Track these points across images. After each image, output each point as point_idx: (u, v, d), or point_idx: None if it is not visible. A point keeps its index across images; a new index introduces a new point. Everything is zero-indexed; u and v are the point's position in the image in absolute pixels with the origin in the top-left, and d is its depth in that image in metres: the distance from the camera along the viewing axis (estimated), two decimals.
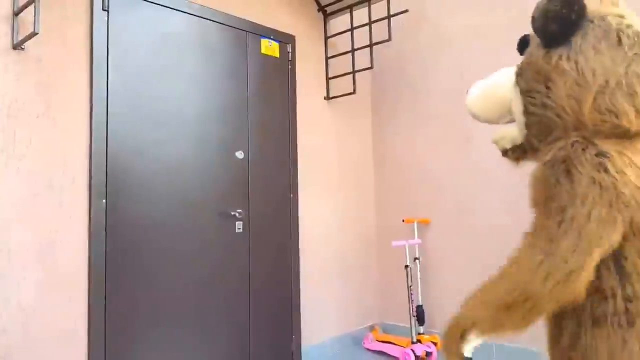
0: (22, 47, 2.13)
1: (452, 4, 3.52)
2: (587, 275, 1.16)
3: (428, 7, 3.64)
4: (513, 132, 1.50)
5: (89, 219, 2.32)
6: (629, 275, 1.23)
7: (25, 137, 2.14)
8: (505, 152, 1.55)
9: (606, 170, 1.22)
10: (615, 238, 1.19)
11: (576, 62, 1.35)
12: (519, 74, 1.45)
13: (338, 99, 3.60)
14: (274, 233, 3.12)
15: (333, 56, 3.56)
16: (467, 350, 1.25)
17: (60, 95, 2.25)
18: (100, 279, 2.33)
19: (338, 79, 3.56)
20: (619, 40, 1.36)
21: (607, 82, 1.33)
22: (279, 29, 3.26)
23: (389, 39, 3.27)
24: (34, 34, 1.97)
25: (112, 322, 2.36)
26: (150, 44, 2.58)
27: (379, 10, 3.43)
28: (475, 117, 1.58)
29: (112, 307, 2.37)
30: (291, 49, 3.33)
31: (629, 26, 1.36)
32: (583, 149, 1.27)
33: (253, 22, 3.10)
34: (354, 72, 3.45)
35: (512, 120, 1.51)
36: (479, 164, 3.31)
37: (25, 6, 2.03)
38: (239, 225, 2.92)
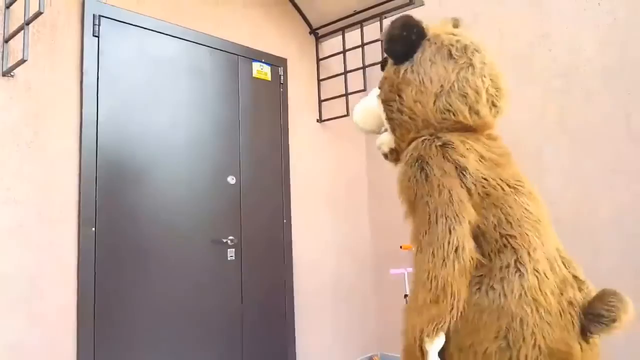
0: (12, 74, 2.08)
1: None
2: (469, 247, 1.43)
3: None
4: (388, 138, 1.78)
5: (77, 249, 2.24)
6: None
7: (13, 167, 2.07)
8: (385, 156, 1.84)
9: (450, 157, 1.51)
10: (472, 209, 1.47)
11: (418, 73, 1.64)
12: (380, 88, 1.76)
13: (331, 121, 3.59)
14: (267, 260, 3.06)
15: (325, 78, 3.55)
16: (433, 357, 1.42)
17: (49, 123, 2.20)
18: (89, 311, 2.25)
19: (330, 101, 3.55)
20: (449, 53, 1.64)
21: (442, 86, 1.61)
22: (270, 52, 3.25)
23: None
24: (22, 61, 1.92)
25: (103, 357, 2.27)
26: (141, 69, 2.54)
27: (371, 31, 3.44)
28: (360, 130, 1.90)
29: (103, 341, 2.28)
30: (283, 72, 3.32)
31: (458, 41, 1.66)
32: (430, 143, 1.55)
33: (244, 46, 3.08)
34: (346, 94, 3.44)
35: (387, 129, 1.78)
36: None
37: (15, 33, 1.99)
38: (231, 252, 2.86)
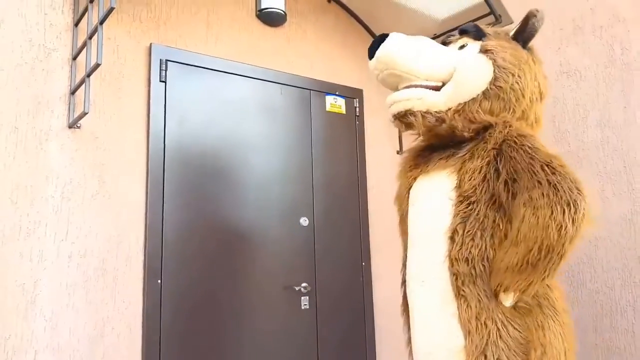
0: (78, 125, 2.07)
1: (540, 41, 3.13)
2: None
3: None
4: (433, 98, 1.48)
5: (143, 302, 2.15)
6: None
7: (78, 219, 2.04)
8: (403, 115, 1.54)
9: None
10: None
11: (539, 73, 1.62)
12: (491, 51, 1.51)
13: None
14: (344, 308, 2.80)
15: None
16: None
17: (115, 172, 2.15)
18: None
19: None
20: (541, 65, 1.66)
21: (545, 95, 1.64)
22: (345, 84, 3.05)
23: None
24: (84, 114, 1.88)
25: None
26: (209, 111, 2.45)
27: None
28: (390, 66, 1.50)
29: None
30: (358, 103, 3.10)
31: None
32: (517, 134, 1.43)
33: (317, 80, 2.91)
34: None
35: (408, 87, 1.51)
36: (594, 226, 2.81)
37: (79, 85, 1.97)
38: (304, 300, 2.64)
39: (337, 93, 2.99)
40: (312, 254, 2.71)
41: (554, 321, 1.42)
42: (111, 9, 1.69)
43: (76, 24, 2.08)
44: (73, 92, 2.04)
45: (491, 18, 2.76)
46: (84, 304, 2.01)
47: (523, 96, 1.52)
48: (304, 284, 2.63)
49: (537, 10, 1.58)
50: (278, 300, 2.55)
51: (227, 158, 2.48)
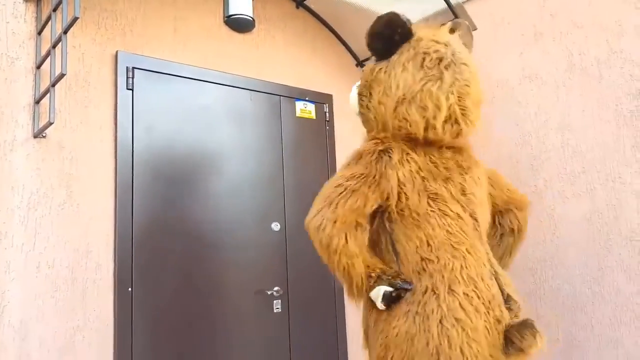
0: (43, 134, 2.05)
1: (503, 47, 3.23)
2: (340, 222, 1.55)
3: (479, 50, 3.37)
4: None
5: (114, 310, 2.14)
6: (398, 253, 1.61)
7: (46, 230, 2.02)
8: None
9: (379, 162, 1.59)
10: (368, 206, 1.58)
11: (389, 75, 1.63)
12: (360, 81, 1.77)
13: None
14: (317, 312, 2.84)
15: None
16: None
17: (83, 181, 2.14)
18: None
19: None
20: (422, 62, 1.59)
21: (404, 95, 1.59)
22: (315, 90, 3.09)
23: None
24: (49, 124, 1.87)
25: None
26: (178, 118, 2.46)
27: None
28: (356, 113, 1.85)
29: None
30: (328, 108, 3.14)
31: (436, 51, 1.62)
32: (375, 144, 1.62)
33: (287, 86, 2.94)
34: None
35: None
36: (557, 225, 2.92)
37: (44, 94, 1.95)
38: (277, 304, 2.67)
39: (307, 98, 3.03)
40: (284, 258, 2.74)
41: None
42: (75, 19, 1.69)
43: (39, 32, 2.06)
44: (38, 102, 2.02)
45: (449, 15, 2.83)
46: (54, 314, 1.99)
47: (378, 111, 1.67)
48: (276, 288, 2.66)
49: (367, 31, 1.71)
50: (250, 305, 2.57)
51: (197, 165, 2.49)
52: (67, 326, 2.02)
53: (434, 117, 1.61)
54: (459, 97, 1.63)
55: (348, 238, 1.55)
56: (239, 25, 2.74)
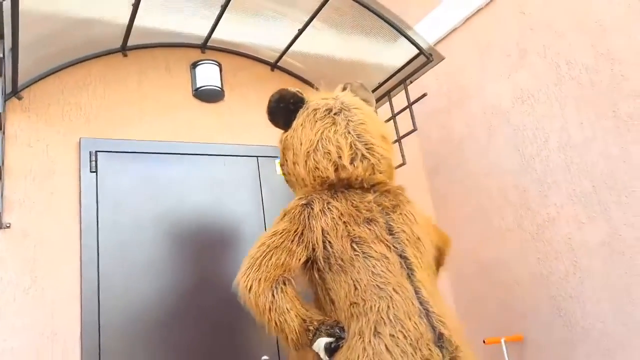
0: (8, 224, 2.17)
1: (491, 72, 3.05)
2: (264, 280, 1.60)
3: (467, 80, 3.20)
4: None
5: None
6: (333, 301, 1.67)
7: (10, 316, 2.08)
8: None
9: (304, 216, 1.70)
10: (295, 259, 1.66)
11: (293, 138, 1.84)
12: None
13: None
14: None
15: None
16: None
17: (48, 267, 2.21)
18: None
19: None
20: (315, 115, 1.81)
21: (309, 148, 1.78)
22: None
23: (415, 129, 2.86)
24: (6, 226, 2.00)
25: None
26: (144, 195, 2.50)
27: (400, 100, 3.09)
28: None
29: None
30: None
31: (325, 104, 1.84)
32: (299, 200, 1.75)
33: (265, 146, 2.93)
34: None
35: None
36: (576, 254, 2.56)
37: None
38: None
39: None
40: None
41: None
42: None
43: (4, 132, 2.24)
44: (2, 194, 2.16)
45: (422, 58, 2.73)
46: None
47: (295, 172, 1.85)
48: (264, 357, 2.50)
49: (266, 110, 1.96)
50: None
51: (170, 239, 2.49)
52: None
53: (340, 157, 1.76)
54: (357, 135, 1.80)
55: (275, 295, 1.59)
56: (208, 96, 2.83)
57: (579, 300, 2.51)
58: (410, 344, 1.46)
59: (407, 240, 1.70)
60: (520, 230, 2.84)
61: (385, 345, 1.46)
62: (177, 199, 2.58)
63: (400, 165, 2.94)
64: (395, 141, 2.95)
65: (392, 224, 1.72)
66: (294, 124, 1.87)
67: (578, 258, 2.53)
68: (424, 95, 2.81)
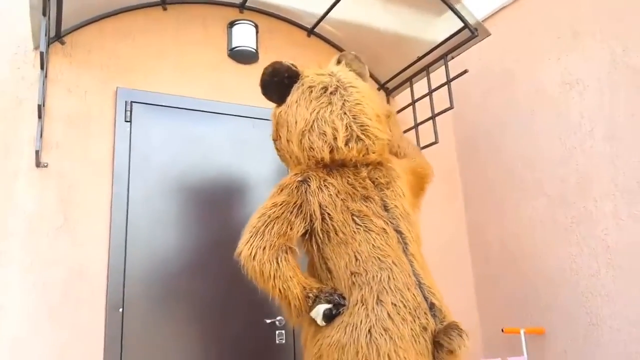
0: (45, 164, 2.26)
1: (539, 53, 2.90)
2: (269, 248, 1.66)
3: (513, 61, 3.07)
4: None
5: (104, 331, 2.22)
6: (331, 270, 1.73)
7: (42, 251, 2.19)
8: None
9: (300, 191, 1.75)
10: (295, 230, 1.71)
11: (287, 115, 1.82)
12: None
13: None
14: None
15: None
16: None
17: (80, 207, 2.30)
18: None
19: None
20: (310, 93, 1.78)
21: (304, 127, 1.76)
22: None
23: (451, 107, 2.77)
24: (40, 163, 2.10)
25: None
26: (174, 148, 2.56)
27: (439, 75, 2.99)
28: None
29: None
30: None
31: (320, 82, 1.81)
32: (295, 176, 1.78)
33: None
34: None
35: None
36: (612, 252, 2.45)
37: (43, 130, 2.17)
38: (280, 335, 2.55)
39: None
40: None
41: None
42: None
43: (46, 75, 2.31)
44: (41, 135, 2.24)
45: (467, 32, 2.62)
46: (46, 332, 2.12)
47: (289, 149, 1.84)
48: (279, 317, 2.55)
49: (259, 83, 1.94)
50: (250, 334, 2.50)
51: (194, 194, 2.55)
52: (59, 343, 2.13)
53: (335, 139, 1.76)
54: (353, 116, 1.79)
55: (279, 262, 1.65)
56: (242, 57, 2.83)
57: (609, 299, 2.41)
58: (410, 312, 1.56)
59: (401, 215, 1.77)
60: (553, 223, 2.74)
61: (388, 313, 1.54)
62: (204, 156, 2.62)
63: (432, 144, 2.88)
64: (429, 118, 2.88)
65: (386, 200, 1.78)
66: (289, 99, 1.85)
67: (613, 256, 2.42)
68: (465, 71, 2.71)
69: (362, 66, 2.08)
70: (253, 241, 1.67)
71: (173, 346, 2.33)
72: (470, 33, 2.60)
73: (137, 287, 2.32)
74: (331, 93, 1.80)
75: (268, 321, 2.53)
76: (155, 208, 2.45)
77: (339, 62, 2.01)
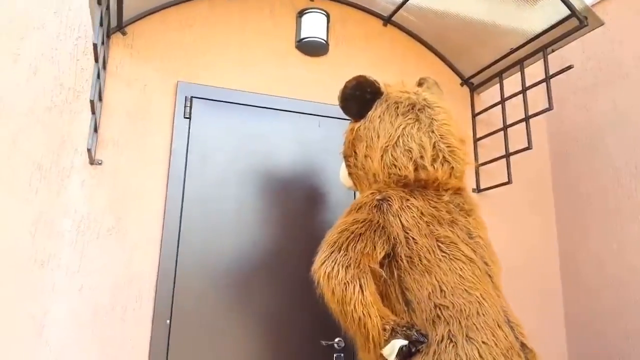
0: (99, 162, 2.15)
1: None
2: (354, 267, 1.49)
3: (625, 54, 2.60)
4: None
5: (150, 342, 2.08)
6: (410, 302, 1.54)
7: (91, 255, 2.08)
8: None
9: (382, 211, 1.60)
10: (377, 251, 1.55)
11: (368, 130, 1.75)
12: (343, 145, 1.88)
13: (490, 190, 2.75)
14: None
15: (481, 138, 2.79)
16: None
17: (133, 209, 2.17)
18: None
19: (490, 165, 2.74)
20: (396, 109, 1.73)
21: (388, 142, 1.69)
22: None
23: (550, 108, 2.38)
24: (95, 161, 1.96)
25: None
26: (234, 146, 2.36)
27: (535, 71, 2.58)
28: (347, 187, 1.98)
29: None
30: None
31: (408, 98, 1.76)
32: (373, 194, 1.65)
33: None
34: (507, 155, 2.60)
35: None
36: None
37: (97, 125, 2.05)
38: (338, 359, 2.30)
39: None
40: None
41: None
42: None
43: (104, 67, 2.20)
44: (96, 130, 2.13)
45: (574, 21, 2.21)
46: (90, 339, 2.01)
47: (366, 166, 1.73)
48: (337, 339, 2.30)
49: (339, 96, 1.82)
50: (306, 356, 2.27)
51: (252, 196, 2.35)
52: (102, 352, 2.01)
53: (421, 157, 1.65)
54: (440, 135, 1.69)
55: (363, 285, 1.48)
56: (311, 48, 2.58)
57: None
58: (503, 353, 1.41)
59: (484, 246, 1.65)
60: None
61: (478, 352, 1.39)
62: (266, 156, 2.41)
63: (524, 149, 2.50)
64: (522, 120, 2.50)
65: (470, 227, 1.65)
66: (370, 114, 1.75)
67: None
68: (570, 67, 2.30)
69: (441, 92, 2.01)
70: (335, 258, 1.50)
71: None
72: (578, 22, 2.19)
73: (187, 297, 2.16)
74: (419, 110, 1.72)
75: (324, 343, 2.29)
76: (212, 212, 2.27)
77: (419, 84, 1.97)
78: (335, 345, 2.29)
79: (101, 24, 1.80)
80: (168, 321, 2.12)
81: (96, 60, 1.78)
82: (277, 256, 2.32)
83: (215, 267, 2.23)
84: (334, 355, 2.30)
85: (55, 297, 2.00)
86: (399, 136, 1.66)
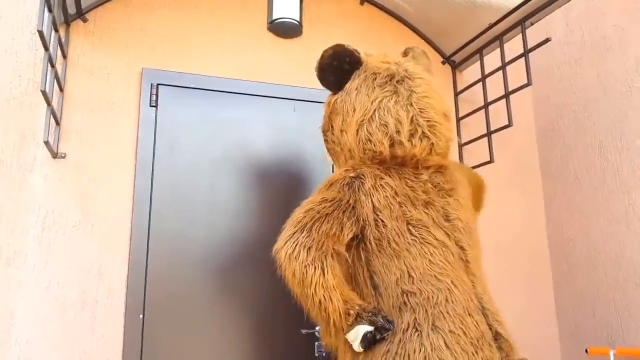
0: (62, 155, 2.08)
1: None
2: (316, 249, 1.42)
3: (609, 27, 2.51)
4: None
5: (123, 337, 2.03)
6: (377, 286, 1.48)
7: (58, 250, 2.02)
8: None
9: (353, 189, 1.51)
10: (345, 233, 1.47)
11: (345, 102, 1.64)
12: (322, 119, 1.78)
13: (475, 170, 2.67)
14: None
15: (463, 117, 2.71)
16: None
17: (99, 202, 2.10)
18: None
19: (473, 144, 2.67)
20: (374, 80, 1.61)
21: (363, 116, 1.57)
22: None
23: (529, 83, 2.30)
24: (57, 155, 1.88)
25: None
26: (204, 134, 2.29)
27: (514, 45, 2.50)
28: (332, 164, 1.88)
29: None
30: None
31: (387, 69, 1.63)
32: (346, 171, 1.56)
33: None
34: (488, 133, 2.53)
35: None
36: None
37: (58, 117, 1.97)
38: (320, 347, 2.26)
39: None
40: None
41: None
42: None
43: (64, 56, 2.11)
44: (58, 122, 2.05)
45: None
46: (61, 336, 1.96)
47: (341, 141, 1.63)
48: (317, 327, 2.25)
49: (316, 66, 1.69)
50: (285, 345, 2.22)
51: (226, 184, 2.28)
52: (74, 350, 1.96)
53: (397, 132, 1.54)
54: (420, 109, 1.57)
55: (325, 268, 1.41)
56: (284, 30, 2.49)
57: None
58: (472, 342, 1.34)
59: (463, 228, 1.54)
60: None
61: (445, 342, 1.32)
62: (239, 143, 2.34)
63: (505, 127, 2.42)
64: (503, 97, 2.42)
65: (448, 208, 1.54)
66: (347, 86, 1.64)
67: None
68: (547, 40, 2.22)
69: (429, 64, 1.87)
70: (297, 238, 1.43)
71: (197, 356, 2.10)
72: None
73: (160, 291, 2.10)
74: (397, 82, 1.59)
75: (304, 332, 2.24)
76: (184, 202, 2.21)
77: (405, 54, 1.83)
78: (316, 333, 2.23)
79: (50, 10, 1.71)
80: (141, 315, 2.06)
81: (46, 48, 1.69)
82: (253, 245, 2.26)
83: (189, 258, 2.17)
84: (315, 343, 2.25)
85: (22, 295, 1.94)
86: (375, 109, 1.56)
